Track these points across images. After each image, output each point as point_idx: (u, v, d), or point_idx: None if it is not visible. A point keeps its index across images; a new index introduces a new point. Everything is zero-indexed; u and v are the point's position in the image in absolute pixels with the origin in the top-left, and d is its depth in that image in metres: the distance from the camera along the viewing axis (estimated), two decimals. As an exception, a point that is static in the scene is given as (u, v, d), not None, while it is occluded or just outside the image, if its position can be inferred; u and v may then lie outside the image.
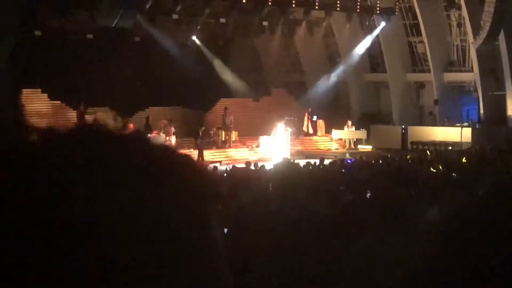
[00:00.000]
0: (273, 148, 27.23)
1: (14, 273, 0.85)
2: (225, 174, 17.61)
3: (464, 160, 21.92)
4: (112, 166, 0.94)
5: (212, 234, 0.99)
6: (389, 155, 23.46)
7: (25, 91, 25.69)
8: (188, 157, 1.02)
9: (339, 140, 31.12)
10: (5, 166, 0.92)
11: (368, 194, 12.15)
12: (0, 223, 0.87)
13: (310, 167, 18.33)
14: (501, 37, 29.46)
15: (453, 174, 17.06)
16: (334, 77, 34.31)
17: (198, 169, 1.02)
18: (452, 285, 2.12)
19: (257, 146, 28.51)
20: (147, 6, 24.46)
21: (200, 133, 27.16)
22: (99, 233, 0.90)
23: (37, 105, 27.21)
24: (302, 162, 19.73)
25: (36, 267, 0.89)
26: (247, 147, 28.63)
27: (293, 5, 29.75)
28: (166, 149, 1.02)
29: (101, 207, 0.91)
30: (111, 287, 0.90)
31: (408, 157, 23.69)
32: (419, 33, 33.38)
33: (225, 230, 7.56)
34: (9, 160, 0.93)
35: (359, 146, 30.27)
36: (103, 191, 0.92)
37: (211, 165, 22.47)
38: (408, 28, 34.09)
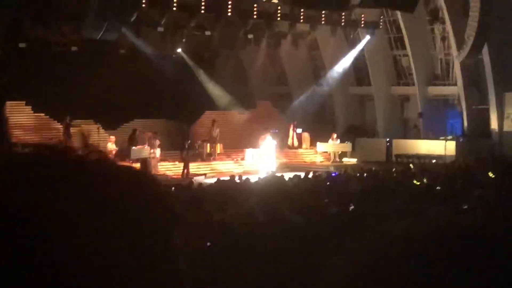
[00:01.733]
0: (259, 161, 27.36)
1: None
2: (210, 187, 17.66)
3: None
4: (73, 188, 1.02)
5: (170, 247, 1.08)
6: (373, 168, 23.54)
7: (8, 103, 25.70)
8: (146, 181, 1.12)
9: (324, 153, 31.10)
10: None
11: (352, 207, 12.22)
12: None
13: (296, 180, 18.45)
14: (485, 50, 29.71)
15: (437, 187, 17.13)
16: (319, 89, 34.35)
17: (156, 192, 1.11)
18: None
19: (242, 159, 28.46)
20: (132, 19, 24.40)
21: (186, 146, 27.09)
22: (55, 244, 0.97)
23: (21, 117, 27.04)
24: (287, 175, 20.14)
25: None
26: (232, 160, 28.61)
27: (278, 18, 29.78)
28: (124, 173, 1.11)
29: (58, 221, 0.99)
30: None
31: (392, 169, 23.75)
32: (403, 47, 33.52)
33: (208, 243, 7.55)
34: None
35: (344, 159, 30.31)
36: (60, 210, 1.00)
37: (196, 179, 22.73)
38: (393, 42, 34.24)
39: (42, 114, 27.39)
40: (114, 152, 25.65)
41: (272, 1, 28.35)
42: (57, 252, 0.99)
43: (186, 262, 1.11)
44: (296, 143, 31.61)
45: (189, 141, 27.85)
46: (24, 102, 26.93)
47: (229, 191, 15.33)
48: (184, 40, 29.80)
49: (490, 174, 20.32)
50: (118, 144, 26.68)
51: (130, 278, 1.02)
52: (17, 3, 20.14)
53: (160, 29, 27.79)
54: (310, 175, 19.88)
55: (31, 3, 23.57)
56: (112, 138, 26.90)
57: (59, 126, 27.10)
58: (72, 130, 26.79)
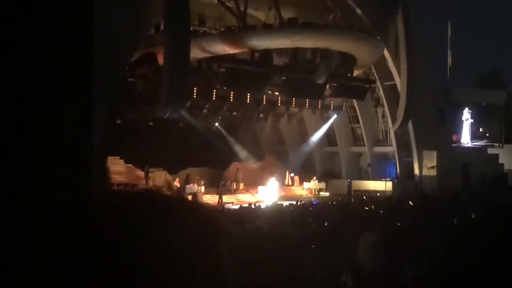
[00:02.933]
0: (267, 194, 26.99)
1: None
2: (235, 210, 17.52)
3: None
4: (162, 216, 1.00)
5: (218, 249, 1.02)
6: (339, 199, 23.49)
7: (109, 158, 25.43)
8: (203, 208, 1.08)
9: (308, 189, 30.57)
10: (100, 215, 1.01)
11: (326, 223, 12.35)
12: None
13: (290, 206, 18.33)
14: (410, 124, 29.40)
15: (380, 211, 17.20)
16: (304, 149, 34.03)
17: (210, 215, 1.06)
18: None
19: (256, 193, 28.05)
20: (187, 105, 24.49)
21: (220, 184, 27.08)
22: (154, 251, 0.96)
23: (117, 167, 27.00)
24: (285, 203, 20.14)
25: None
26: (250, 193, 28.31)
27: (279, 104, 29.88)
28: (192, 204, 1.06)
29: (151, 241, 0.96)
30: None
31: (352, 199, 23.61)
32: (358, 121, 33.19)
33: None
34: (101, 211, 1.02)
35: (321, 193, 29.79)
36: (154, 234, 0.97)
37: (227, 205, 22.43)
38: (351, 118, 33.86)
39: (130, 165, 27.34)
40: (177, 188, 25.78)
41: (275, 93, 28.06)
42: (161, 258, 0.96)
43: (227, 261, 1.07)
44: (290, 183, 31.37)
45: (222, 182, 27.84)
46: (119, 157, 26.88)
47: (247, 213, 15.18)
48: (219, 117, 29.60)
49: (410, 203, 20.08)
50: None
51: (199, 274, 0.97)
52: (115, 92, 20.13)
53: (205, 111, 27.65)
54: (299, 203, 19.62)
55: (124, 93, 23.66)
56: (177, 179, 27.01)
57: (141, 172, 27.06)
58: (150, 175, 26.86)
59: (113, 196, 1.05)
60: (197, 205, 1.07)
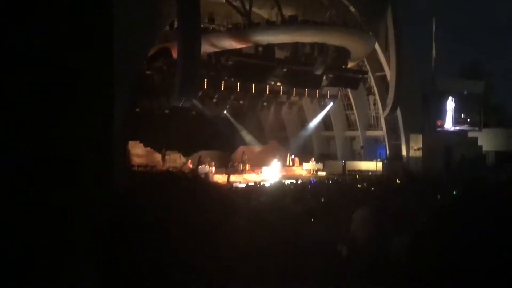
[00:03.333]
0: (270, 174, 27.08)
1: None
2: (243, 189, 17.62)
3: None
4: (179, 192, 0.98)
5: (230, 221, 1.01)
6: (335, 177, 23.57)
7: (130, 142, 25.45)
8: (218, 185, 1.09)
9: (307, 169, 30.61)
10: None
11: (322, 200, 12.39)
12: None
13: (291, 185, 18.27)
14: (398, 111, 29.27)
15: (372, 188, 17.23)
16: (304, 133, 34.08)
17: (224, 190, 1.08)
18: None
19: (261, 173, 28.11)
20: (199, 95, 24.55)
21: (229, 166, 27.17)
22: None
23: (137, 150, 26.96)
24: (286, 181, 20.06)
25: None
26: (255, 173, 28.29)
27: (280, 94, 29.77)
28: (206, 182, 1.08)
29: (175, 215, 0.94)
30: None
31: (346, 178, 23.69)
32: (351, 109, 33.17)
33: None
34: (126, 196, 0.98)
35: (318, 173, 29.83)
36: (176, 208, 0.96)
37: (235, 184, 22.30)
38: (345, 106, 33.79)
39: (149, 148, 27.30)
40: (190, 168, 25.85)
41: (277, 84, 27.95)
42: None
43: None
44: (291, 164, 31.33)
45: (230, 163, 27.97)
46: (138, 141, 26.87)
47: (253, 191, 14.92)
48: (227, 106, 29.67)
49: (398, 181, 20.04)
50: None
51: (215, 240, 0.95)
52: (134, 84, 20.11)
53: (214, 100, 27.66)
54: (299, 182, 19.56)
55: (143, 85, 23.65)
56: (190, 161, 27.05)
57: (158, 155, 27.05)
58: (166, 157, 26.88)
59: (136, 177, 1.02)
60: (210, 184, 1.07)
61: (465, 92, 32.26)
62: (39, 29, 1.73)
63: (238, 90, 27.56)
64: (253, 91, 28.27)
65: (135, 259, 0.91)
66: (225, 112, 30.41)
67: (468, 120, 32.33)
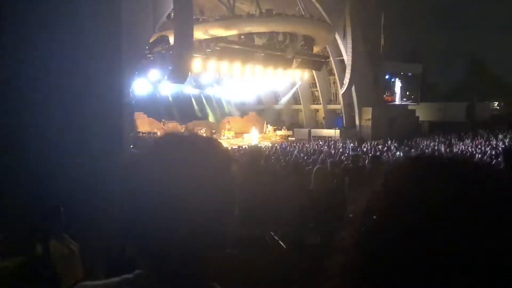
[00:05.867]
0: (250, 139, 26.99)
1: None
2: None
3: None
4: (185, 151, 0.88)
5: (232, 176, 0.93)
6: (302, 143, 23.80)
7: (136, 113, 25.09)
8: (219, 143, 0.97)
9: (279, 135, 30.44)
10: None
11: (292, 159, 12.52)
12: None
13: (267, 148, 18.41)
14: (353, 88, 29.27)
15: (331, 151, 17.44)
16: (277, 106, 33.93)
17: (225, 148, 0.97)
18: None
19: (243, 138, 27.89)
20: (191, 75, 24.09)
21: (214, 132, 26.99)
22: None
23: (141, 120, 26.64)
24: (262, 144, 20.39)
25: None
26: (238, 139, 28.05)
27: (259, 74, 29.35)
28: (211, 140, 0.96)
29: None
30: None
31: (311, 143, 23.74)
32: (316, 86, 32.99)
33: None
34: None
35: (289, 138, 29.68)
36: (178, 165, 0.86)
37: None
38: (311, 84, 33.49)
39: (152, 118, 27.02)
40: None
41: (256, 66, 27.15)
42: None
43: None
44: (267, 131, 31.20)
45: (214, 131, 27.67)
46: (142, 112, 26.32)
47: (234, 152, 15.04)
48: (216, 84, 29.21)
49: (351, 144, 20.31)
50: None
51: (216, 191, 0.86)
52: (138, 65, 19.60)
53: (206, 78, 27.18)
54: (272, 145, 19.91)
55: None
56: (184, 127, 26.52)
57: (159, 123, 26.75)
58: (165, 126, 26.54)
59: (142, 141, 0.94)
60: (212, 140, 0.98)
61: (410, 74, 32.51)
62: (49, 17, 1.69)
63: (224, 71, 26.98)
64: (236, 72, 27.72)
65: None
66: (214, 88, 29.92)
67: (410, 96, 32.61)
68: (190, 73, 22.89)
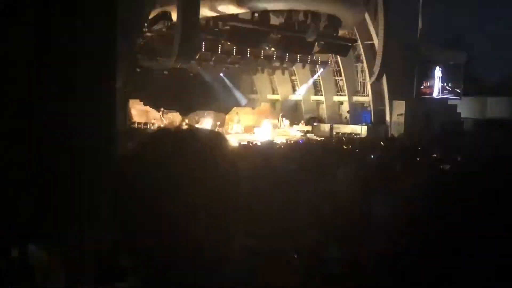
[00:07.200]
0: (261, 134, 27.10)
1: None
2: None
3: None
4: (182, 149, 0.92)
5: (236, 169, 0.97)
6: (323, 138, 23.72)
7: (131, 100, 25.37)
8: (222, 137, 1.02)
9: (296, 131, 30.62)
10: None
11: (310, 158, 12.48)
12: None
13: (282, 145, 18.42)
14: (384, 78, 29.21)
15: (356, 150, 17.42)
16: (295, 97, 34.08)
17: (226, 142, 1.01)
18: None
19: (253, 133, 28.09)
20: (196, 57, 24.40)
21: (218, 124, 27.25)
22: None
23: (137, 108, 26.86)
24: (277, 141, 20.20)
25: None
26: (248, 133, 28.25)
27: (274, 58, 29.38)
28: (211, 134, 1.01)
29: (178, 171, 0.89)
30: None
31: (333, 140, 23.86)
32: (340, 75, 32.92)
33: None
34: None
35: (308, 134, 29.74)
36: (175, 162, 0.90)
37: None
38: (335, 72, 33.53)
39: (148, 107, 27.27)
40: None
41: (271, 49, 27.73)
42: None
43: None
44: (282, 126, 31.33)
45: (219, 122, 27.91)
46: (138, 100, 26.78)
47: (246, 149, 15.31)
48: (224, 69, 29.44)
49: (382, 143, 20.43)
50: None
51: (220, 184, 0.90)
52: (135, 45, 19.91)
53: (211, 63, 27.41)
54: (289, 142, 19.58)
55: (143, 46, 23.48)
56: (187, 120, 26.95)
57: (157, 113, 27.02)
58: (164, 116, 26.80)
59: (137, 133, 1.00)
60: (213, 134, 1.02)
61: (452, 62, 32.13)
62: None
63: (234, 54, 27.19)
64: (248, 55, 27.90)
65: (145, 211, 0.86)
66: (221, 74, 30.19)
67: (451, 89, 32.28)
68: (197, 55, 23.12)
